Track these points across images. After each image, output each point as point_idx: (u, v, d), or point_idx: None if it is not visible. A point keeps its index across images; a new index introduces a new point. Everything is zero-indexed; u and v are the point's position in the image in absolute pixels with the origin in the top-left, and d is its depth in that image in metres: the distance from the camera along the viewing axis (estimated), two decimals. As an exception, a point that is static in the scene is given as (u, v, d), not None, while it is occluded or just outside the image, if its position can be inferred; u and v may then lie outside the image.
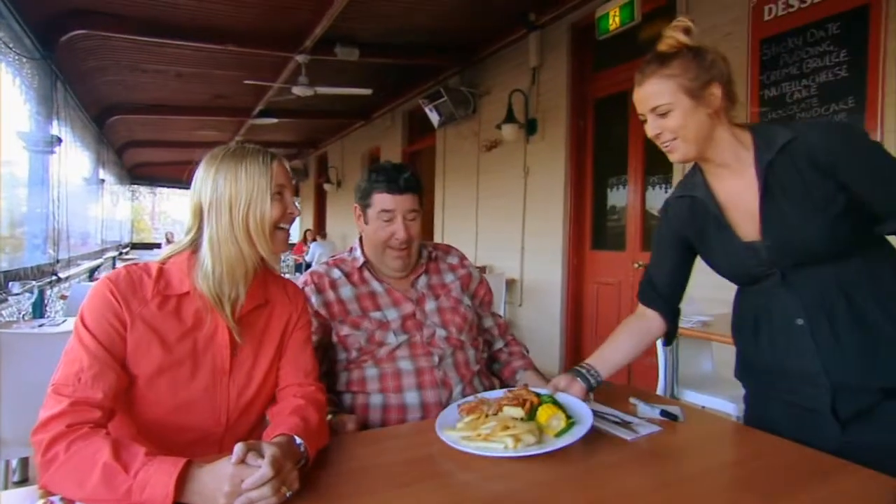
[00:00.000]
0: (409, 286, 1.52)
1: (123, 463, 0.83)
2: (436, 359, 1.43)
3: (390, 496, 0.91)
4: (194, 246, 1.10)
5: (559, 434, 1.07)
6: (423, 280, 1.54)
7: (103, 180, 8.86)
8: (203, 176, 1.08)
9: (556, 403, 1.14)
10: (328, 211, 10.91)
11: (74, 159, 6.19)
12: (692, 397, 2.64)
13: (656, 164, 3.99)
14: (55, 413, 0.90)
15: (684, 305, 2.92)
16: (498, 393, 1.26)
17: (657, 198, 4.05)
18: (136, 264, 1.10)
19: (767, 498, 0.91)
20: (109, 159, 9.84)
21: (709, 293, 3.26)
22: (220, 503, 0.80)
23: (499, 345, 1.65)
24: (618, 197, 4.42)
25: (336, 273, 1.50)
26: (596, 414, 1.27)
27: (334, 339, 1.44)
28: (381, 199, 1.44)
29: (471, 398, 1.24)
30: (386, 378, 1.41)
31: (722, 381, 2.82)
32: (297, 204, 1.20)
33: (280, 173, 1.11)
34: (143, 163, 13.90)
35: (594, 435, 1.17)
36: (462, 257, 1.68)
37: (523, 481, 0.96)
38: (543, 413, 1.11)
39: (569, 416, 1.11)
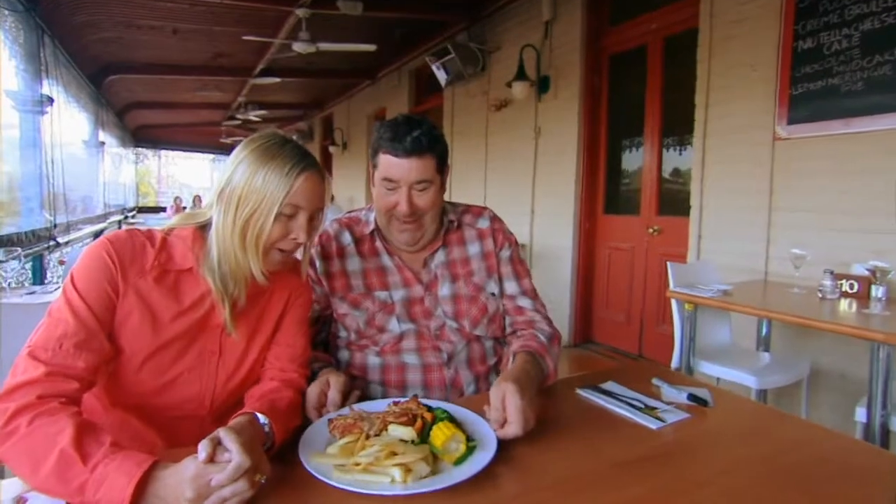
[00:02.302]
0: (422, 264, 1.33)
1: (84, 452, 0.74)
2: (445, 355, 1.28)
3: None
4: (202, 224, 1.01)
5: (458, 461, 0.86)
6: (439, 257, 1.33)
7: (103, 143, 8.70)
8: (232, 159, 0.97)
9: (452, 420, 0.95)
10: (334, 174, 10.73)
11: (70, 120, 6.02)
12: (708, 369, 2.53)
13: (674, 124, 3.79)
14: (26, 380, 0.81)
15: (705, 273, 2.79)
16: (381, 405, 1.04)
17: (674, 160, 3.86)
18: (138, 229, 1.00)
19: (815, 497, 0.80)
20: (109, 121, 9.65)
21: (730, 261, 3.13)
22: None
23: (509, 329, 1.36)
24: (633, 159, 4.23)
25: (347, 238, 1.33)
26: (617, 398, 1.16)
27: (333, 314, 1.31)
28: (385, 163, 1.21)
29: (345, 410, 1.01)
30: (389, 370, 1.28)
31: (740, 353, 2.71)
32: (325, 216, 1.04)
33: (303, 192, 0.96)
34: (146, 125, 13.70)
35: (616, 424, 1.06)
36: (494, 219, 1.41)
37: (531, 483, 0.84)
38: (439, 434, 0.88)
39: (469, 438, 0.91)
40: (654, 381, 1.27)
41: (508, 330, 1.35)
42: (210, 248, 0.97)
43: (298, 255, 1.08)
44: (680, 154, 3.83)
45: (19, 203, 4.16)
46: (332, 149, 10.02)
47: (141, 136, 14.94)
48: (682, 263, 3.12)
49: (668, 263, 2.73)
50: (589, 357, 4.30)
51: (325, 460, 0.83)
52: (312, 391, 1.06)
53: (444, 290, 1.32)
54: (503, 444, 0.91)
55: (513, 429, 0.93)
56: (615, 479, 0.85)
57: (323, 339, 1.37)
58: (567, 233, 4.47)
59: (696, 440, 1.01)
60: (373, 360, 1.28)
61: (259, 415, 0.86)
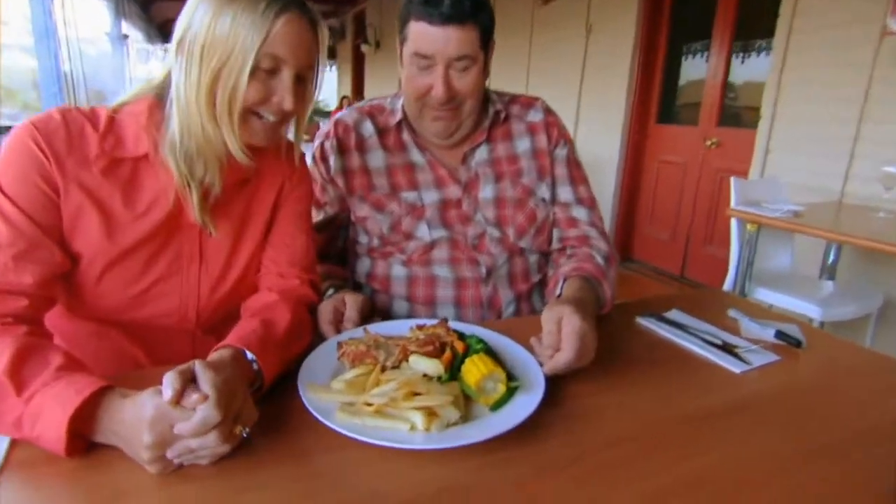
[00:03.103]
0: (459, 161, 1.12)
1: (20, 379, 0.59)
2: (483, 269, 1.09)
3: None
4: (160, 90, 0.78)
5: (496, 406, 0.68)
6: (481, 153, 1.12)
7: (127, 36, 8.34)
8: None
9: (489, 353, 0.76)
10: (367, 74, 10.23)
11: (87, 10, 5.68)
12: (765, 296, 2.31)
13: (749, 22, 3.30)
14: None
15: (772, 191, 2.49)
16: (402, 326, 0.85)
17: (743, 65, 3.41)
18: (77, 108, 0.79)
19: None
20: (133, 12, 9.21)
21: (800, 179, 2.79)
22: (143, 457, 0.55)
23: (557, 244, 1.14)
24: (695, 62, 3.76)
25: (368, 128, 1.12)
26: (687, 331, 0.96)
27: (352, 217, 1.13)
28: (417, 34, 0.97)
29: (358, 332, 0.84)
30: (416, 283, 1.10)
31: (802, 281, 2.46)
32: (317, 88, 0.77)
33: (285, 38, 0.73)
34: (173, 19, 13.16)
35: (690, 364, 0.87)
36: (548, 112, 1.18)
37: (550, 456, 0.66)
38: (473, 370, 0.70)
39: (510, 377, 0.72)
40: (731, 312, 1.06)
41: (556, 245, 1.14)
42: (169, 117, 0.76)
43: (290, 135, 0.88)
44: (744, 61, 3.38)
45: (41, 100, 3.97)
46: (363, 48, 9.47)
47: (168, 32, 14.40)
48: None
49: (732, 178, 2.44)
50: (628, 276, 4.10)
51: (328, 397, 0.67)
52: (326, 307, 0.91)
53: (486, 191, 1.11)
54: (551, 386, 0.74)
55: (565, 356, 0.74)
56: (693, 439, 0.67)
57: (339, 249, 1.20)
58: (614, 143, 4.12)
59: (791, 390, 0.81)
60: (398, 270, 1.10)
61: (247, 351, 0.69)
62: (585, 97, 4.38)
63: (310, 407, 0.65)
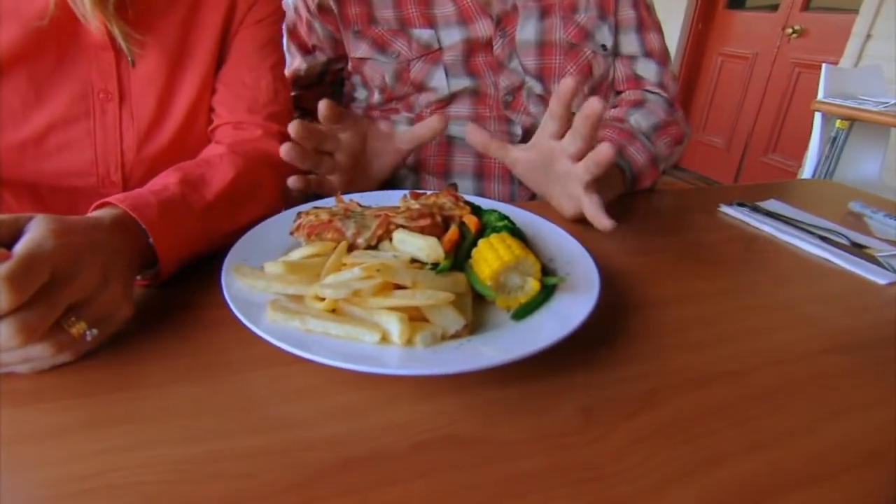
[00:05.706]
0: None
1: None
2: (518, 130, 0.82)
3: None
4: None
5: (522, 312, 0.42)
6: None
7: None
8: None
9: (516, 234, 0.49)
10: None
11: None
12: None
13: None
14: None
15: (871, 83, 2.07)
16: (393, 197, 0.59)
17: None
18: None
19: None
20: None
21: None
22: None
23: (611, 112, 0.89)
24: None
25: None
26: (796, 226, 0.69)
27: (348, 65, 0.85)
28: None
29: (328, 202, 0.57)
30: (426, 148, 0.83)
31: (892, 193, 2.10)
32: None
33: None
34: None
35: (807, 271, 0.60)
36: None
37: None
38: (489, 256, 0.43)
39: (546, 270, 0.47)
40: (854, 205, 0.77)
41: (610, 111, 0.87)
42: None
43: None
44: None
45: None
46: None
47: None
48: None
49: (823, 66, 2.04)
50: (672, 185, 3.74)
51: (258, 284, 0.43)
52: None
53: (525, 31, 0.81)
54: (608, 289, 0.49)
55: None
56: (833, 385, 0.42)
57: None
58: (673, 31, 3.59)
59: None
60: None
61: (139, 219, 0.43)
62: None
63: (229, 298, 0.41)
